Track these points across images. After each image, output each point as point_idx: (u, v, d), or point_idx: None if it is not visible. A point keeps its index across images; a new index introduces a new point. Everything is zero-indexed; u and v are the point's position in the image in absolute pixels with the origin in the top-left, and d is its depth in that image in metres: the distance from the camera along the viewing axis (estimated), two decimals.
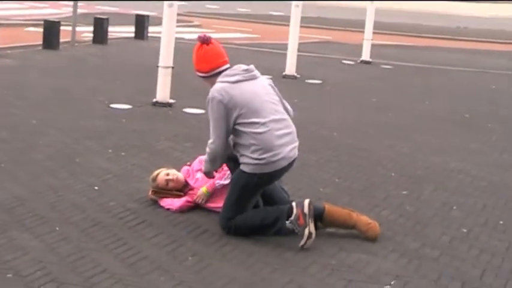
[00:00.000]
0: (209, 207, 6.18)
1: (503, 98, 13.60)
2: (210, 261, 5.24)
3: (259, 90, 5.74)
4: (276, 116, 5.73)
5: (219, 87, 5.69)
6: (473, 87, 14.81)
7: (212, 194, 6.18)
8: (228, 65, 5.84)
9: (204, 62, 5.84)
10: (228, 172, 6.07)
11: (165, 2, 10.35)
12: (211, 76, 5.81)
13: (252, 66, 5.86)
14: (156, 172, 6.38)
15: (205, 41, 5.88)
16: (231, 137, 5.74)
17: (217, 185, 6.15)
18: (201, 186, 6.25)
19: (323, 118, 10.41)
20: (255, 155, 5.59)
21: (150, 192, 6.35)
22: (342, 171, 7.74)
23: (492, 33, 28.39)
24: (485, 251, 5.81)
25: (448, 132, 10.12)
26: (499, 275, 5.37)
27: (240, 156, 5.70)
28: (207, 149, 5.79)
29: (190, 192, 6.28)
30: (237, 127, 5.64)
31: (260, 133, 5.60)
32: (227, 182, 6.05)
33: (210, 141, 5.74)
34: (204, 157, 6.05)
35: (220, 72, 5.79)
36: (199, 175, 6.36)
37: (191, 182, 6.36)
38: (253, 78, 5.80)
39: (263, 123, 5.62)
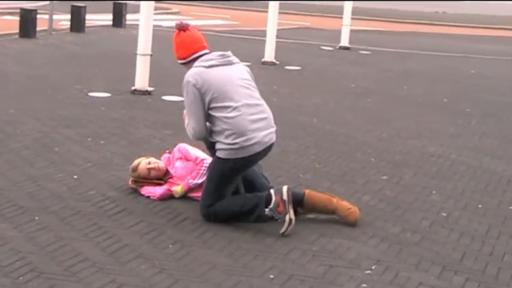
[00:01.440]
0: (190, 196, 6.16)
1: (482, 82, 13.65)
2: (191, 248, 5.23)
3: (232, 75, 5.75)
4: (250, 101, 5.72)
5: (193, 71, 5.72)
6: (452, 72, 14.86)
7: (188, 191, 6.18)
8: (206, 51, 5.85)
9: (182, 49, 5.86)
10: (202, 170, 6.08)
11: None
12: (190, 62, 5.83)
13: (229, 52, 5.87)
14: (136, 162, 6.34)
15: (182, 27, 5.89)
16: (208, 125, 5.73)
17: (191, 184, 6.13)
18: (181, 175, 6.24)
19: (302, 104, 10.41)
20: (228, 140, 5.60)
21: (130, 182, 6.32)
22: (322, 157, 7.75)
23: (470, 18, 28.48)
24: (465, 234, 5.84)
25: (427, 117, 10.15)
26: (479, 258, 5.40)
27: (216, 143, 5.70)
28: (188, 133, 5.83)
29: (170, 180, 6.26)
30: (210, 112, 5.66)
31: (232, 117, 5.61)
32: (201, 180, 6.03)
33: (186, 122, 5.77)
34: (184, 144, 6.12)
35: (198, 57, 5.79)
36: (178, 163, 6.33)
37: (171, 171, 6.34)
38: (229, 63, 5.81)
39: (235, 108, 5.63)
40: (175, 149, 6.48)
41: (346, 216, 5.79)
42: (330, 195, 5.94)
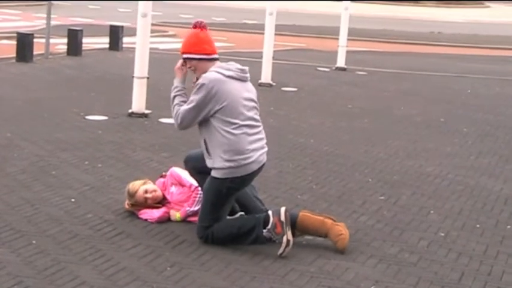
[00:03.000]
0: (188, 220, 6.16)
1: (479, 102, 13.68)
2: (189, 270, 5.22)
3: (244, 94, 5.76)
4: (252, 122, 5.75)
5: (213, 77, 5.71)
6: (448, 91, 14.89)
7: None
8: (217, 56, 5.90)
9: (207, 44, 5.88)
10: (198, 198, 6.10)
11: (139, 12, 10.31)
12: (210, 60, 5.82)
13: (247, 68, 5.89)
14: (132, 187, 6.29)
15: (204, 26, 5.93)
16: (203, 139, 5.72)
17: (188, 212, 6.14)
18: (177, 201, 6.25)
19: (299, 125, 10.42)
20: (226, 156, 5.60)
21: (126, 205, 6.31)
22: (319, 178, 7.75)
23: (466, 37, 28.57)
24: (463, 254, 5.84)
25: (424, 137, 10.16)
26: (478, 278, 5.39)
27: (211, 159, 5.68)
28: (174, 109, 5.87)
29: (168, 204, 6.27)
30: (213, 121, 5.65)
31: (234, 134, 5.63)
32: (198, 207, 6.04)
33: (178, 118, 5.78)
34: (176, 168, 6.28)
35: (215, 59, 5.83)
36: (174, 189, 6.34)
37: (167, 196, 6.34)
38: (244, 80, 5.84)
39: (240, 126, 5.65)
40: (168, 174, 6.46)
41: (336, 243, 5.72)
42: (327, 217, 5.93)
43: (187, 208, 6.15)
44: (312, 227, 5.76)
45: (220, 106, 5.63)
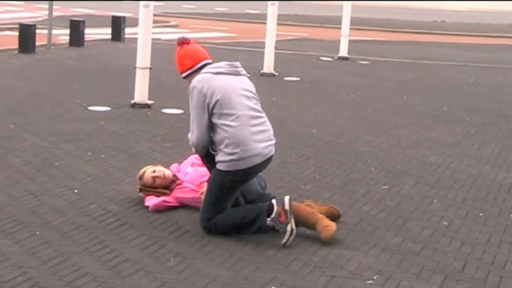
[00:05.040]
0: (189, 198, 6.18)
1: (482, 91, 13.66)
2: (192, 261, 5.23)
3: (237, 85, 5.77)
4: (252, 112, 5.74)
5: (199, 77, 5.76)
6: (451, 80, 14.87)
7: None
8: (210, 61, 5.91)
9: (187, 59, 5.90)
10: None
11: (140, 2, 10.31)
12: (195, 71, 5.86)
13: (237, 63, 5.91)
14: (142, 170, 6.41)
15: (184, 41, 5.92)
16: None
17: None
18: (191, 179, 6.31)
19: (302, 115, 10.42)
20: (228, 150, 5.61)
21: (138, 190, 6.37)
22: (322, 168, 7.75)
23: (469, 27, 28.52)
24: (467, 243, 5.84)
25: (426, 126, 10.15)
26: (481, 267, 5.39)
27: (216, 154, 5.70)
28: (190, 142, 5.85)
29: (177, 187, 6.28)
30: (213, 119, 5.67)
31: (233, 126, 5.62)
32: None
33: (190, 134, 5.78)
34: (195, 156, 6.31)
35: (203, 66, 5.85)
36: (190, 169, 6.41)
37: (181, 177, 6.37)
38: (236, 73, 5.84)
39: (237, 117, 5.64)
40: (191, 156, 6.52)
41: (320, 233, 5.66)
42: (331, 207, 5.96)
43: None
44: (302, 217, 5.71)
45: (215, 100, 5.63)
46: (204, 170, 6.20)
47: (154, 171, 6.32)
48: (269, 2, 14.13)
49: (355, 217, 6.26)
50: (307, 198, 6.44)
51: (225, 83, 5.72)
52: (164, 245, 5.48)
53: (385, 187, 7.20)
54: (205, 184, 6.01)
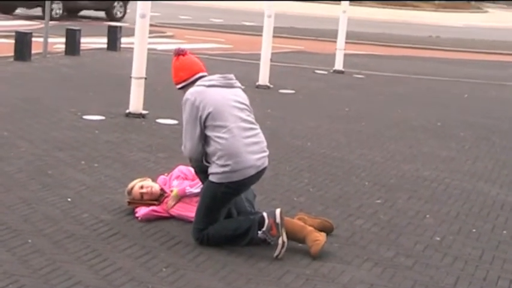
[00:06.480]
0: (177, 214, 6.16)
1: (476, 106, 13.69)
2: (184, 272, 5.22)
3: (230, 97, 5.78)
4: (244, 124, 5.74)
5: (193, 90, 5.77)
6: (445, 95, 14.90)
7: (181, 200, 6.19)
8: (205, 73, 5.89)
9: (182, 71, 5.90)
10: (200, 183, 6.08)
11: (137, 13, 10.31)
12: (190, 83, 5.86)
13: (231, 75, 5.92)
14: (131, 184, 6.40)
15: (181, 52, 5.93)
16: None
17: (187, 192, 6.18)
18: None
19: (296, 127, 10.42)
20: (220, 162, 5.61)
21: (126, 203, 6.35)
22: (316, 181, 7.75)
23: (464, 42, 28.61)
24: (459, 259, 5.84)
25: (420, 141, 10.17)
26: (473, 283, 5.39)
27: (209, 166, 5.70)
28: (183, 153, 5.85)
29: (166, 200, 6.28)
30: (206, 132, 5.68)
31: (225, 138, 5.62)
32: (198, 190, 6.06)
33: (183, 146, 5.78)
34: (183, 166, 6.25)
35: (198, 79, 5.85)
36: (175, 183, 6.38)
37: (168, 190, 6.36)
38: (229, 86, 5.84)
39: (229, 129, 5.64)
40: (176, 169, 6.52)
41: (310, 247, 5.65)
42: (325, 221, 5.96)
43: (188, 187, 6.16)
44: (291, 231, 5.69)
45: (207, 113, 5.64)
46: (188, 183, 6.23)
47: (142, 187, 6.31)
48: (266, 14, 14.14)
49: (348, 231, 6.26)
50: (300, 211, 6.44)
51: (218, 96, 5.73)
52: (156, 255, 5.47)
53: (379, 201, 7.20)
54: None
